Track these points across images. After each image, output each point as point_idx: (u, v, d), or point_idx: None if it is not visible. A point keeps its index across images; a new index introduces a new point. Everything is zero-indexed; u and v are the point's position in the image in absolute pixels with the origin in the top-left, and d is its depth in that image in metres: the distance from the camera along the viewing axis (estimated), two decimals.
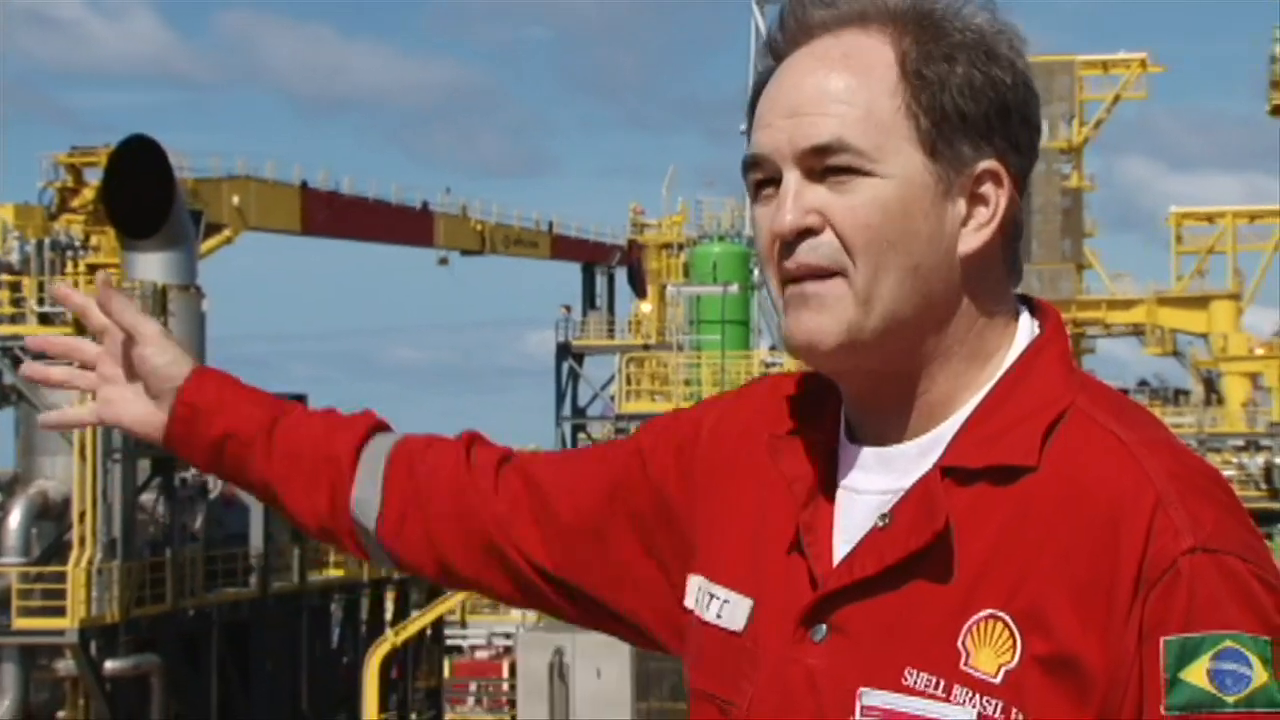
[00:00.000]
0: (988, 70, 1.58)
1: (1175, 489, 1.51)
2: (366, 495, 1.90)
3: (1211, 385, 56.56)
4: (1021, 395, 1.58)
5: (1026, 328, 1.63)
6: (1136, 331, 57.44)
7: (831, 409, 1.67)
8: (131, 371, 1.98)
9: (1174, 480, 1.52)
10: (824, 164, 1.57)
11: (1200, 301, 56.23)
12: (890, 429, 1.61)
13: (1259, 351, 55.90)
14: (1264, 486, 47.61)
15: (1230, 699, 1.47)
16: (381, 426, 1.96)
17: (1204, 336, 56.67)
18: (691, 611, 1.71)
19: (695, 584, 1.72)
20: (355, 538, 1.93)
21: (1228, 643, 1.48)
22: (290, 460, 1.93)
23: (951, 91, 1.57)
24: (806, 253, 1.57)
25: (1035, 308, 1.65)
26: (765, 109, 1.61)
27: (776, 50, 1.64)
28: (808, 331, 1.58)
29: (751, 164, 1.61)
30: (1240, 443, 50.56)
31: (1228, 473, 47.40)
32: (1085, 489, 1.52)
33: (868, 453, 1.62)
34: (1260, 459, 48.72)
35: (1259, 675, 1.47)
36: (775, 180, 1.59)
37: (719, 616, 1.67)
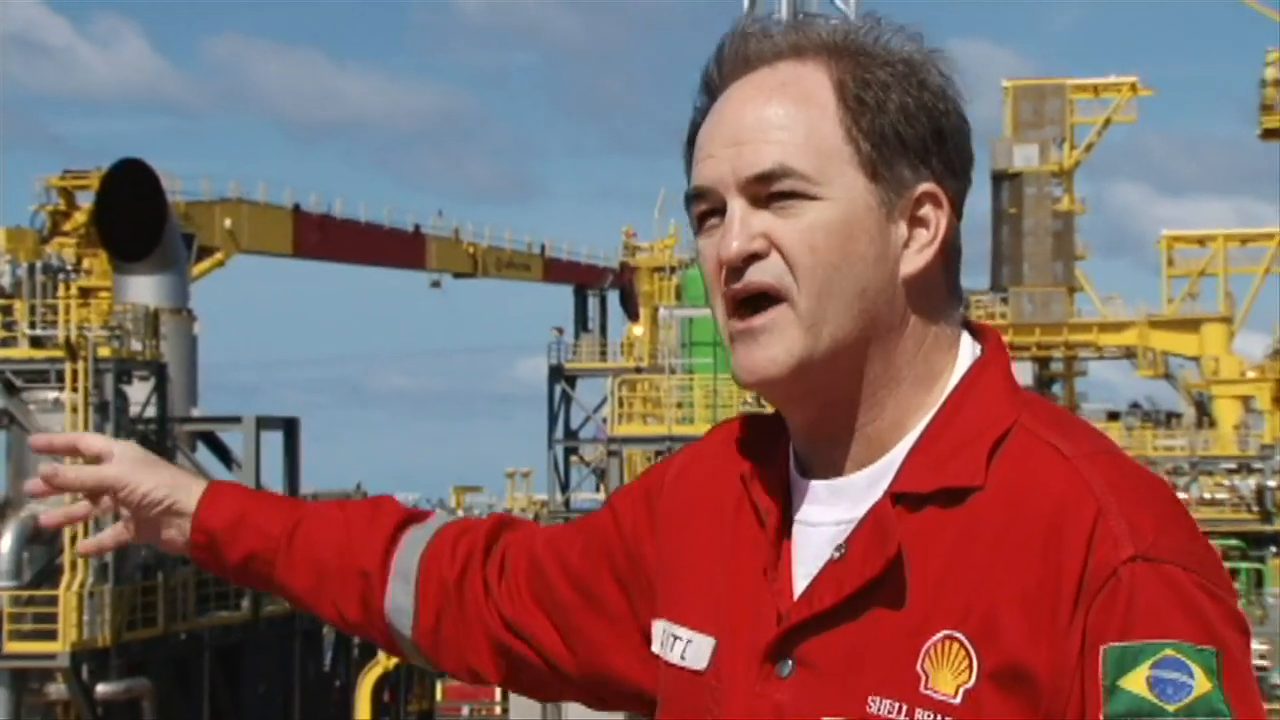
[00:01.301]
0: (920, 96, 1.60)
1: (1116, 499, 1.53)
2: (401, 605, 1.91)
3: (1203, 408, 56.61)
4: (965, 417, 1.60)
5: (969, 349, 1.65)
6: (1128, 354, 57.50)
7: (783, 447, 1.69)
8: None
9: (1114, 491, 1.53)
10: (768, 190, 1.58)
11: (1192, 324, 56.30)
12: (840, 460, 1.63)
13: (1250, 374, 55.97)
14: (1255, 509, 47.63)
15: (1170, 707, 1.47)
16: (405, 520, 1.94)
17: (1195, 359, 56.74)
18: (657, 655, 1.73)
19: (659, 628, 1.73)
20: (390, 639, 1.94)
21: (1168, 651, 1.48)
22: (316, 574, 1.94)
23: (890, 115, 1.59)
24: (755, 273, 1.59)
25: (974, 329, 1.67)
26: (705, 140, 1.63)
27: (712, 87, 1.65)
28: (758, 365, 1.59)
29: (695, 196, 1.62)
30: (1232, 465, 50.60)
31: (1219, 495, 47.47)
32: (1029, 503, 1.54)
33: (819, 485, 1.64)
34: (1252, 482, 48.73)
35: (1201, 684, 1.47)
36: (719, 210, 1.61)
37: (683, 657, 1.69)
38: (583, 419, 51.15)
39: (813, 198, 1.58)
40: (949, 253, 1.63)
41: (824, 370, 1.59)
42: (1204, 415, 56.17)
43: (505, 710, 32.68)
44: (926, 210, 1.61)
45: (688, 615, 1.70)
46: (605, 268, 54.27)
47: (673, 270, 49.61)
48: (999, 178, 54.71)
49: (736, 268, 1.59)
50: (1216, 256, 59.23)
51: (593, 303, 54.91)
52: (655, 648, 1.73)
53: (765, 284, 1.58)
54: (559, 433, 50.19)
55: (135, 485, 1.96)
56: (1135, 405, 58.18)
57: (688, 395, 38.08)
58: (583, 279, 54.63)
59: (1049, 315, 53.97)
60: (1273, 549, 46.21)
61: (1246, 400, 55.98)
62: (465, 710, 44.27)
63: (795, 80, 1.61)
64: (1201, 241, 60.45)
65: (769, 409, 1.75)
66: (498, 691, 42.32)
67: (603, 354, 51.20)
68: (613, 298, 54.50)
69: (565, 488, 50.15)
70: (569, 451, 50.54)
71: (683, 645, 1.69)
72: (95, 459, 1.97)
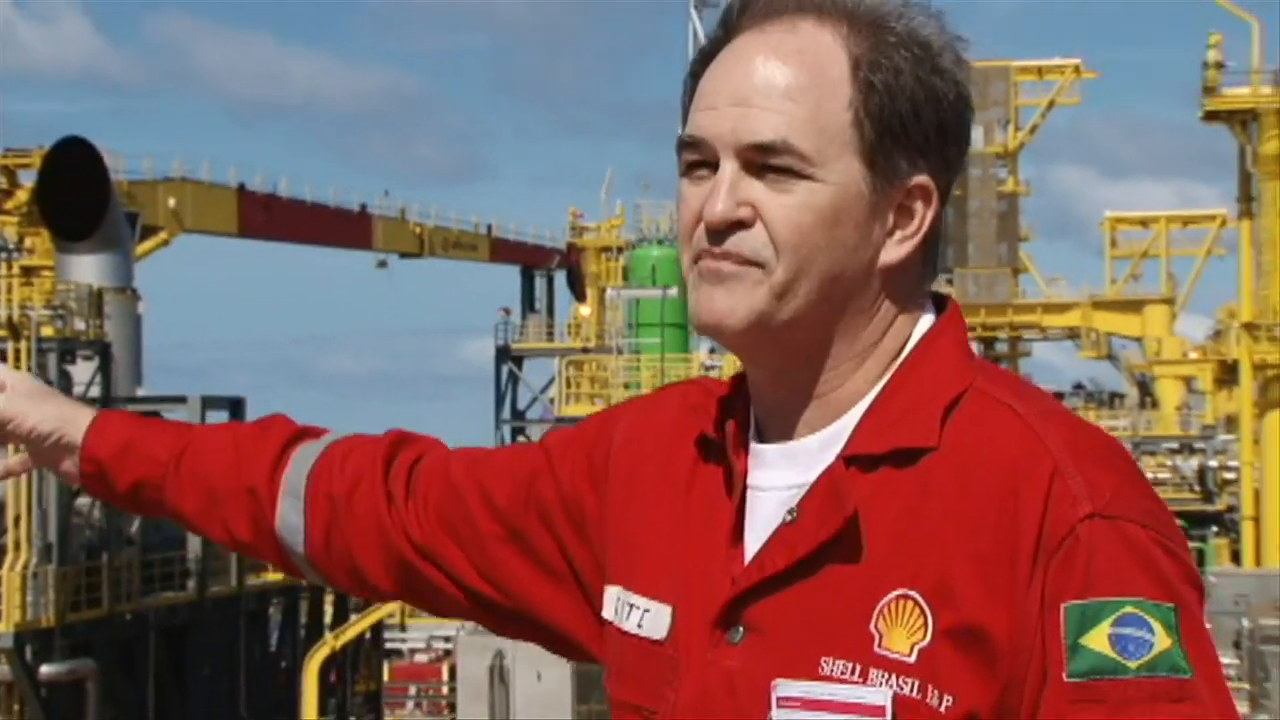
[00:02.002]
0: (931, 84, 1.59)
1: (1072, 457, 1.52)
2: (290, 522, 1.90)
3: (1146, 389, 57.06)
4: (919, 380, 1.60)
5: (927, 320, 1.65)
6: (1072, 335, 57.86)
7: (740, 413, 1.68)
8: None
9: (1070, 449, 1.53)
10: (764, 160, 1.57)
11: (1134, 305, 56.70)
12: (793, 424, 1.62)
13: (1192, 355, 56.43)
14: (1197, 489, 48.07)
15: (1132, 664, 1.47)
16: (295, 437, 1.94)
17: (1138, 340, 57.16)
18: (610, 622, 1.71)
19: (613, 594, 1.71)
20: (283, 556, 1.93)
21: (1129, 608, 1.48)
22: (205, 496, 1.93)
23: (899, 103, 1.58)
24: (735, 243, 1.58)
25: (940, 300, 1.67)
26: (710, 89, 1.60)
27: (729, 23, 1.63)
28: (717, 311, 1.58)
29: (689, 143, 1.61)
30: (1174, 445, 51.04)
31: (1161, 475, 47.83)
32: (984, 461, 1.54)
33: (770, 450, 1.63)
34: (1194, 462, 49.18)
35: (1161, 641, 1.47)
36: (709, 163, 1.59)
37: (640, 626, 1.67)
38: (530, 399, 51.13)
39: (807, 177, 1.57)
40: (929, 242, 1.63)
41: (781, 335, 1.59)
42: (1146, 396, 56.62)
43: (453, 690, 32.67)
44: (916, 203, 1.60)
45: (644, 584, 1.68)
46: (552, 248, 54.20)
47: (619, 251, 49.59)
48: None
49: (717, 230, 1.58)
50: (1159, 238, 59.67)
51: (540, 283, 54.83)
52: (608, 614, 1.71)
53: (745, 255, 1.57)
54: (506, 413, 50.14)
55: (21, 419, 1.96)
56: (1079, 386, 58.60)
57: (635, 376, 38.12)
58: (530, 260, 54.54)
59: (993, 296, 54.24)
60: (1214, 528, 46.66)
61: (1188, 381, 56.46)
62: (412, 690, 44.23)
63: (812, 49, 1.58)
64: (1144, 223, 60.91)
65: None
66: (444, 672, 42.30)
67: (550, 334, 51.16)
68: (560, 278, 54.44)
69: None
70: (516, 432, 50.45)
71: (639, 614, 1.67)
72: None
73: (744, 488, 1.64)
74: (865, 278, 1.60)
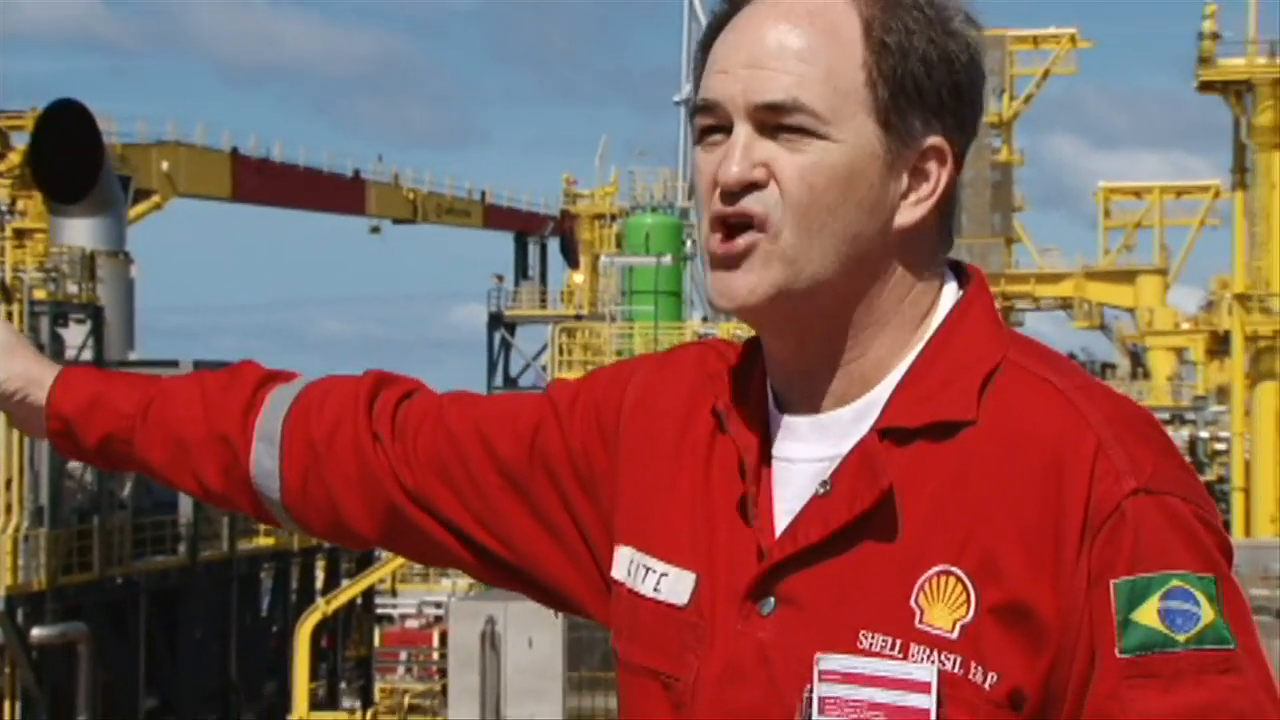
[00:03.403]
0: (945, 45, 1.58)
1: (1114, 433, 1.53)
2: (267, 468, 1.86)
3: (1138, 359, 57.15)
4: (953, 352, 1.59)
5: (952, 290, 1.64)
6: (1065, 305, 57.89)
7: (757, 381, 1.67)
8: None
9: (1112, 424, 1.53)
10: (777, 121, 1.56)
11: (1127, 276, 56.74)
12: (821, 396, 1.61)
13: (1185, 326, 56.50)
14: (1189, 460, 48.10)
15: (1181, 638, 1.48)
16: (265, 379, 1.89)
17: (1131, 311, 57.22)
18: (621, 583, 1.69)
19: (625, 555, 1.70)
20: (257, 504, 1.89)
21: (1175, 582, 1.49)
22: (174, 447, 1.90)
23: (912, 63, 1.57)
24: (749, 201, 1.57)
25: (957, 269, 1.66)
26: (722, 54, 1.60)
27: None
28: (734, 290, 1.58)
29: (702, 108, 1.60)
30: (1165, 416, 51.11)
31: None
32: (1025, 437, 1.54)
33: (801, 421, 1.62)
34: (1185, 433, 49.29)
35: (1207, 613, 1.49)
36: (723, 128, 1.59)
37: (657, 590, 1.66)
38: (522, 366, 51.12)
39: (821, 136, 1.56)
40: (945, 205, 1.62)
41: (802, 304, 1.58)
42: (1138, 367, 56.70)
43: (444, 656, 32.73)
44: (931, 164, 1.59)
45: (661, 547, 1.66)
46: (546, 215, 54.13)
47: (613, 218, 49.54)
48: None
49: (732, 192, 1.57)
50: (1152, 209, 59.68)
51: (533, 250, 54.78)
52: (619, 575, 1.69)
53: (756, 212, 1.57)
54: (498, 380, 50.15)
55: None
56: (1071, 356, 58.39)
57: (628, 343, 38.13)
58: (523, 226, 54.47)
59: (986, 266, 54.21)
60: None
61: (1180, 352, 56.54)
62: (403, 655, 44.33)
63: (823, 10, 1.57)
64: (1138, 194, 60.91)
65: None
66: (435, 638, 42.38)
67: (543, 301, 51.14)
68: (553, 245, 54.36)
69: None
70: None
71: (655, 578, 1.66)
72: None
73: (770, 458, 1.63)
74: (881, 240, 1.59)
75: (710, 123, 1.60)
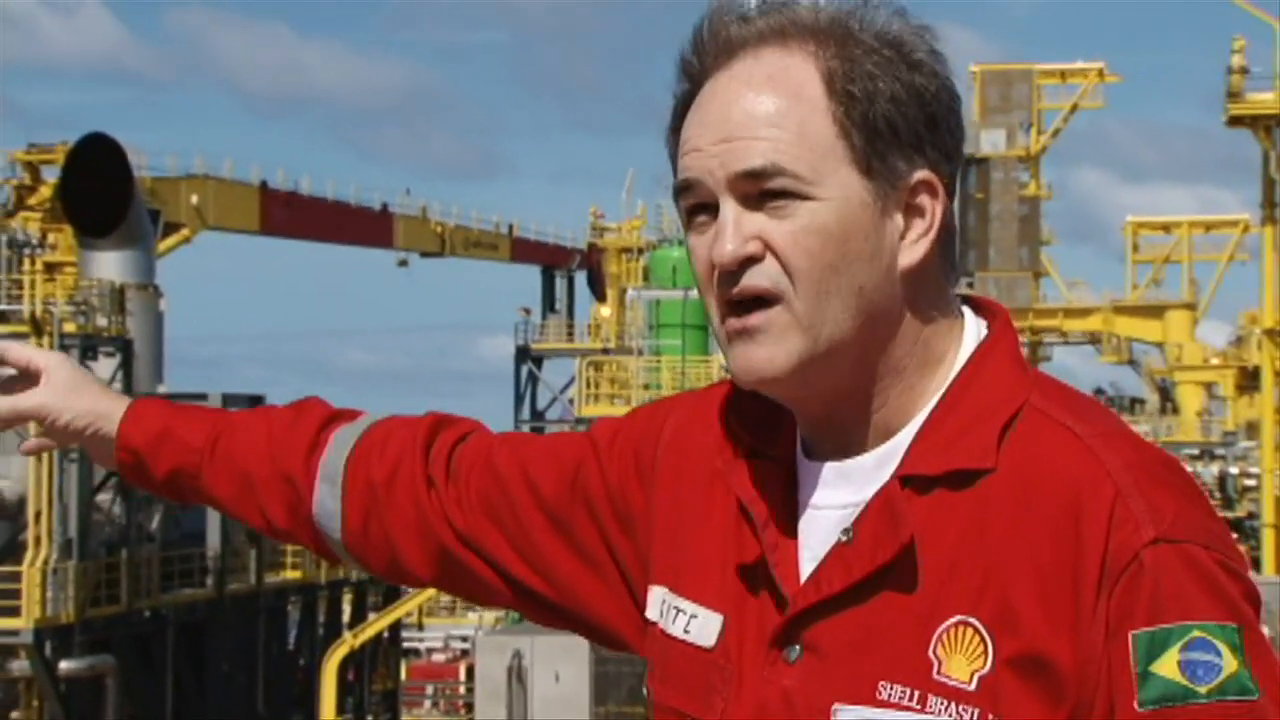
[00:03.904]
0: (911, 81, 1.57)
1: (1133, 480, 1.51)
2: (329, 508, 1.88)
3: (1166, 394, 56.94)
4: (973, 398, 1.58)
5: (974, 329, 1.63)
6: (1093, 340, 57.74)
7: (788, 425, 1.66)
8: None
9: (1131, 471, 1.52)
10: (760, 189, 1.55)
11: (1156, 311, 56.55)
12: (845, 444, 1.61)
13: (1214, 361, 56.30)
14: (1218, 496, 47.91)
15: (1203, 689, 1.46)
16: (330, 419, 1.91)
17: (1159, 345, 57.03)
18: (655, 623, 1.70)
19: (658, 595, 1.70)
20: (320, 542, 1.91)
21: (1196, 633, 1.47)
22: (241, 483, 1.92)
23: (880, 105, 1.56)
24: (751, 277, 1.56)
25: (980, 307, 1.65)
26: (693, 133, 1.59)
27: (692, 72, 1.61)
28: (756, 366, 1.57)
29: (684, 188, 1.59)
30: (1195, 452, 50.88)
31: None
32: (1043, 485, 1.52)
33: (826, 468, 1.61)
34: (1215, 468, 49.04)
35: (1229, 664, 1.47)
36: (709, 207, 1.58)
37: (686, 631, 1.66)
38: (549, 399, 51.14)
39: (806, 197, 1.55)
40: (945, 236, 1.61)
41: (824, 369, 1.57)
42: (1167, 401, 56.49)
43: (470, 690, 32.67)
44: (922, 199, 1.58)
45: (691, 588, 1.67)
46: (573, 248, 54.21)
47: (640, 252, 49.59)
48: (965, 162, 54.63)
49: (731, 271, 1.56)
50: (1181, 243, 59.52)
51: (560, 283, 54.86)
52: (653, 615, 1.69)
53: (761, 288, 1.55)
54: (525, 413, 50.17)
55: (56, 416, 1.94)
56: (1099, 391, 58.44)
57: (655, 376, 38.12)
58: (550, 259, 54.56)
59: (1014, 300, 54.12)
60: (1234, 536, 46.46)
61: (1209, 387, 56.32)
62: (429, 689, 44.27)
63: (782, 72, 1.56)
64: (1166, 228, 60.75)
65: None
66: (462, 671, 42.31)
67: (570, 334, 51.20)
68: (580, 278, 54.46)
69: None
70: (535, 432, 50.45)
71: (685, 619, 1.66)
72: (24, 372, 1.95)
73: (796, 504, 1.62)
74: (889, 287, 1.58)
75: (694, 202, 1.59)
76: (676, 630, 1.67)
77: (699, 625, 1.65)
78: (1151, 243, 60.28)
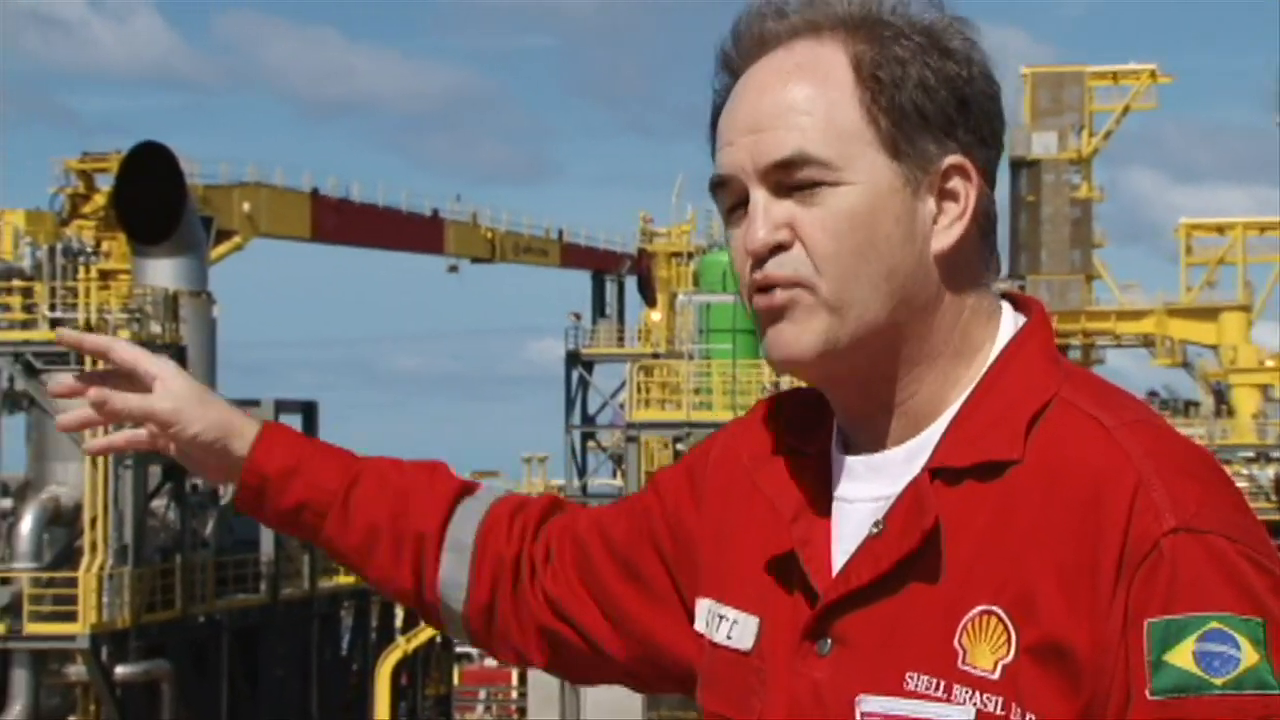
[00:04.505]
0: (941, 66, 1.58)
1: (1156, 469, 1.50)
2: (454, 578, 1.87)
3: (1221, 397, 56.51)
4: (1003, 390, 1.58)
5: (1010, 322, 1.63)
6: (1146, 343, 57.40)
7: (826, 422, 1.67)
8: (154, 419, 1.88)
9: (1155, 460, 1.51)
10: (790, 178, 1.57)
11: (1210, 313, 56.18)
12: (879, 436, 1.62)
13: (1269, 363, 55.85)
14: (1274, 498, 47.55)
15: (1218, 681, 1.44)
16: (461, 490, 1.91)
17: (1213, 348, 56.62)
18: (703, 635, 1.71)
19: (704, 606, 1.71)
20: (436, 611, 1.90)
21: (1214, 624, 1.45)
22: (370, 534, 1.89)
23: (908, 90, 1.57)
24: (774, 267, 1.57)
25: (1018, 302, 1.65)
26: (726, 127, 1.61)
27: (731, 66, 1.64)
28: (785, 345, 1.58)
29: (718, 184, 1.61)
30: (1250, 454, 50.51)
31: (1238, 484, 47.31)
32: (1066, 474, 1.52)
33: (857, 461, 1.63)
34: (1271, 471, 48.67)
35: (1248, 656, 1.44)
36: (745, 201, 1.59)
37: (729, 637, 1.67)
38: (600, 404, 51.18)
39: (835, 183, 1.56)
40: (982, 223, 1.60)
41: (854, 352, 1.58)
42: (1222, 404, 56.07)
43: (523, 695, 32.71)
44: (955, 183, 1.58)
45: (732, 594, 1.68)
46: (623, 253, 54.23)
47: (690, 256, 49.57)
48: (1017, 165, 54.59)
49: (762, 258, 1.57)
50: (1235, 245, 59.08)
51: (610, 288, 54.88)
52: (700, 626, 1.71)
53: (784, 276, 1.57)
54: (576, 418, 50.22)
55: (185, 425, 1.87)
56: (1153, 394, 58.05)
57: (705, 381, 38.07)
58: (600, 264, 54.59)
59: (1066, 303, 53.88)
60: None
61: (1264, 389, 55.85)
62: (482, 694, 44.36)
63: (812, 61, 1.58)
64: (1220, 229, 60.30)
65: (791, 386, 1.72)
66: (514, 676, 42.38)
67: (620, 339, 51.20)
68: (630, 283, 54.46)
69: (582, 473, 50.15)
70: (586, 437, 50.54)
71: (728, 625, 1.67)
72: (130, 374, 1.88)
73: (831, 499, 1.64)
74: (922, 271, 1.58)
75: (732, 201, 1.61)
76: (720, 637, 1.68)
77: (739, 630, 1.66)
78: (1205, 244, 59.85)
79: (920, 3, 1.60)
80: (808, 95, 1.57)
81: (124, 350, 1.89)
